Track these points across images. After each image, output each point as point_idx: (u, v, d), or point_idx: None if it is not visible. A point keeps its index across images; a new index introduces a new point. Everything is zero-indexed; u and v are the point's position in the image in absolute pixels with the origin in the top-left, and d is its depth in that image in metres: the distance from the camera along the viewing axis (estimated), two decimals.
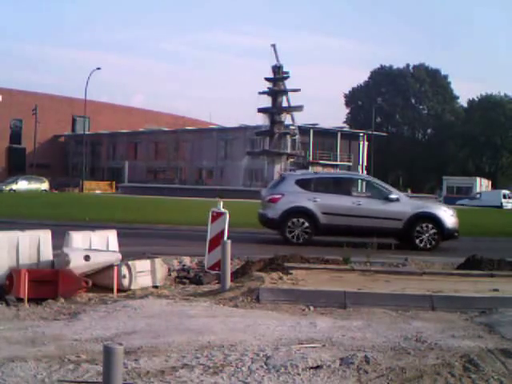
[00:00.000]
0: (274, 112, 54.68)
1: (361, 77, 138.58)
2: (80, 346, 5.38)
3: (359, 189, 17.40)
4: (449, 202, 49.58)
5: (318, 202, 15.05)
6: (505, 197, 57.92)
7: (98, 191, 60.98)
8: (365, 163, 77.83)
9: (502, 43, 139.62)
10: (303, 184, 15.64)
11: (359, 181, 18.26)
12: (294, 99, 55.71)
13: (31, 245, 7.93)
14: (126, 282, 8.13)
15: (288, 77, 55.41)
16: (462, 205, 46.38)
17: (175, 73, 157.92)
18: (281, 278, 8.50)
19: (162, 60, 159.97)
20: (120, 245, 9.00)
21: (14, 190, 54.32)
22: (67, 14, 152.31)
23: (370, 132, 73.50)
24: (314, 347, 5.44)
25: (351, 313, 7.08)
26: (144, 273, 8.36)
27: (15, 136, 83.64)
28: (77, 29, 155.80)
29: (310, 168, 71.61)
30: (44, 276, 7.62)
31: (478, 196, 58.24)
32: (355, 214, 14.88)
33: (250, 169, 58.95)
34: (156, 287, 8.41)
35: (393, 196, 15.22)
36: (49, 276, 7.64)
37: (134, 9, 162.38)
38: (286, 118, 56.62)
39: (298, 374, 4.70)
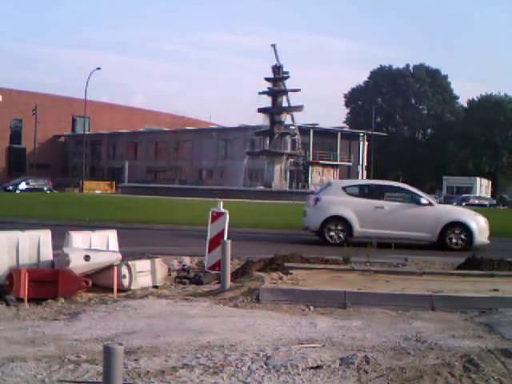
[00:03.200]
0: (273, 112, 54.75)
1: (361, 77, 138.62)
2: (80, 346, 5.38)
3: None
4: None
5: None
6: None
7: (98, 191, 61.02)
8: (365, 163, 77.84)
9: (501, 43, 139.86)
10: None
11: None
12: (293, 99, 55.86)
13: (31, 245, 7.93)
14: (126, 282, 8.12)
15: (288, 77, 55.51)
16: None
17: (175, 73, 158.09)
18: (281, 278, 8.50)
19: (162, 60, 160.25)
20: (120, 245, 9.00)
21: None
22: (67, 13, 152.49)
23: (370, 132, 73.49)
24: (314, 347, 5.44)
25: (351, 313, 7.08)
26: (144, 273, 8.36)
27: (15, 136, 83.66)
28: (77, 29, 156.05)
29: (310, 168, 71.70)
30: (44, 276, 7.62)
31: None
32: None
33: (249, 169, 58.97)
34: (156, 287, 8.41)
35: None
36: (49, 276, 7.64)
37: (134, 9, 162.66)
38: (286, 118, 56.71)
39: (298, 374, 4.70)
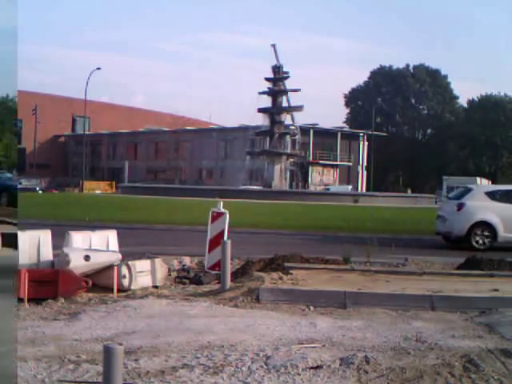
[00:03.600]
0: (273, 112, 54.68)
1: (361, 77, 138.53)
2: (80, 346, 5.38)
3: None
4: None
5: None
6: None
7: (98, 191, 61.00)
8: (365, 163, 77.83)
9: (502, 43, 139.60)
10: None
11: None
12: (294, 99, 55.75)
13: (31, 245, 7.93)
14: (126, 282, 8.13)
15: (288, 77, 55.43)
16: None
17: (175, 73, 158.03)
18: (281, 278, 8.50)
19: (162, 60, 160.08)
20: (120, 245, 9.00)
21: None
22: (67, 14, 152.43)
23: (370, 132, 73.50)
24: (314, 347, 5.44)
25: (351, 313, 7.08)
26: (144, 273, 8.36)
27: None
28: (77, 29, 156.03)
29: (310, 168, 71.71)
30: (44, 276, 7.62)
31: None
32: None
33: (249, 169, 58.93)
34: (156, 287, 8.42)
35: None
36: (49, 276, 7.64)
37: (134, 9, 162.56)
38: (286, 118, 56.61)
39: (298, 374, 4.70)
